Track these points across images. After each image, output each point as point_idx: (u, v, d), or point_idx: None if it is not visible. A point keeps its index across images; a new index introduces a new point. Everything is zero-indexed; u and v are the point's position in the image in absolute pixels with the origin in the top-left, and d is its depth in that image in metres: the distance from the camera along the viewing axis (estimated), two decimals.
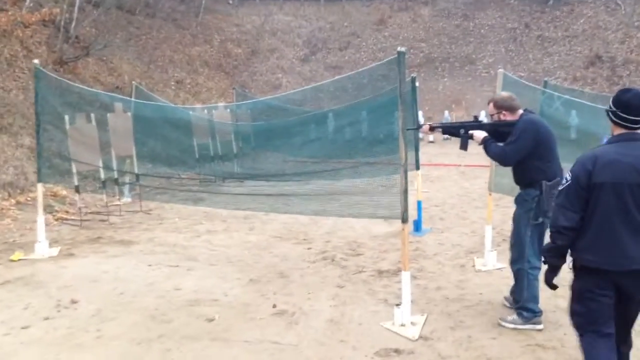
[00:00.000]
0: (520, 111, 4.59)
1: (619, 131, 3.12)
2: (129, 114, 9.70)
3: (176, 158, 11.83)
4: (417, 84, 8.47)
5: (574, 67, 26.94)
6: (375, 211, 5.05)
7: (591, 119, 10.81)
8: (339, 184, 6.87)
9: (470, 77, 27.84)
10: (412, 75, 8.47)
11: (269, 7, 32.42)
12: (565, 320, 4.65)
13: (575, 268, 3.20)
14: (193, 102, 20.22)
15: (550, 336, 4.41)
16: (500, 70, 6.43)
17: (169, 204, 9.95)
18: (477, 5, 32.00)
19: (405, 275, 4.67)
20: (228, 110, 14.04)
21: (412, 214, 8.12)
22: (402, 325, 4.61)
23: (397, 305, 4.71)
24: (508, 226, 8.23)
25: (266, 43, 30.50)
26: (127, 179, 10.25)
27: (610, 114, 3.13)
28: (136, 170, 9.80)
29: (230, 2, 32.54)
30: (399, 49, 4.60)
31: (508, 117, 4.60)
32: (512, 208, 8.76)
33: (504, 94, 4.83)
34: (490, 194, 6.60)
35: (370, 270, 6.33)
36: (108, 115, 9.40)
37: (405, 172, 4.61)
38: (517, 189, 4.77)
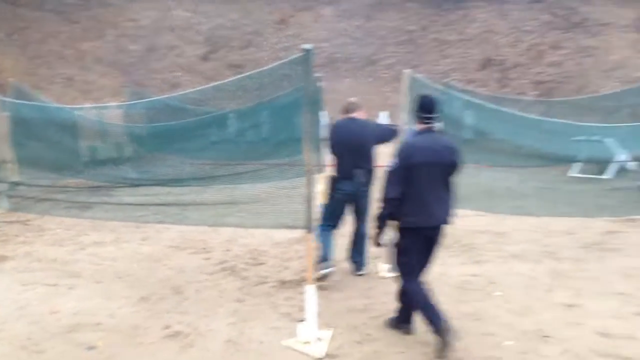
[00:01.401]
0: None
1: (421, 127, 4.30)
2: (4, 114, 8.76)
3: (61, 162, 10.90)
4: (321, 84, 8.22)
5: (468, 70, 27.88)
6: (278, 220, 4.70)
7: (484, 118, 11.06)
8: (240, 191, 6.47)
9: (371, 78, 28.16)
10: (316, 75, 8.21)
11: (167, 2, 31.24)
12: (471, 327, 4.56)
13: (400, 229, 4.31)
14: (83, 101, 18.96)
15: (456, 346, 4.25)
16: (405, 70, 6.29)
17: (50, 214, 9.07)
18: (377, 7, 32.45)
19: (310, 289, 4.37)
20: (121, 110, 13.18)
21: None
22: (307, 342, 4.30)
23: (301, 321, 4.41)
24: None
25: (164, 39, 29.36)
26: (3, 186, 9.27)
27: (415, 114, 4.34)
28: (14, 177, 8.86)
29: None
30: (304, 46, 4.28)
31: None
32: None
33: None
34: None
35: (273, 280, 5.99)
36: None
37: (310, 177, 4.30)
38: None
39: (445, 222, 4.28)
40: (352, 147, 5.70)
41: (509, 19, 30.22)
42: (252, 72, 5.24)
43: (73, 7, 26.34)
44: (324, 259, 5.61)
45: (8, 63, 18.00)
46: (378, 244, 4.43)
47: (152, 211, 6.19)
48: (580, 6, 28.94)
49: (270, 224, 4.84)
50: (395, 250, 4.39)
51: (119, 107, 13.30)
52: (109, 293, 5.65)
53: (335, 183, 5.78)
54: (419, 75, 7.08)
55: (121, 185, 11.17)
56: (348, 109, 5.90)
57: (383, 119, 23.35)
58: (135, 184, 11.49)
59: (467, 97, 10.84)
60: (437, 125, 4.32)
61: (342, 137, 5.75)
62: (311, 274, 4.40)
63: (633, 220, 8.53)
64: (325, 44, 30.42)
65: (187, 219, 6.01)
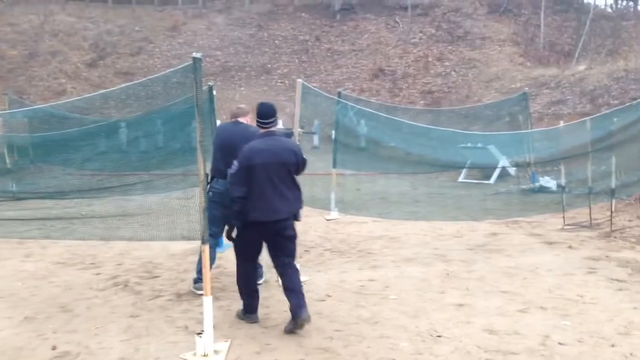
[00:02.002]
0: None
1: (262, 131, 4.74)
2: None
3: None
4: (214, 92, 8.10)
5: (360, 79, 28.62)
6: (173, 232, 4.56)
7: (377, 127, 11.39)
8: (133, 202, 6.22)
9: (266, 87, 28.19)
10: (209, 83, 8.10)
11: (49, 6, 29.67)
12: (369, 331, 4.65)
13: (245, 223, 4.64)
14: None
15: (354, 350, 4.32)
16: (298, 80, 6.34)
17: None
18: (270, 16, 32.60)
19: (207, 301, 4.27)
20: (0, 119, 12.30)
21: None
22: (205, 355, 4.20)
23: (199, 334, 4.30)
24: (310, 236, 8.30)
25: (47, 45, 27.88)
26: None
27: (257, 121, 4.77)
28: None
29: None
30: (194, 54, 4.20)
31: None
32: (312, 218, 8.74)
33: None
34: None
35: (168, 294, 5.80)
36: None
37: (204, 188, 4.21)
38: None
39: (288, 216, 4.70)
40: (228, 147, 5.55)
41: (397, 32, 31.39)
42: (141, 80, 5.08)
43: None
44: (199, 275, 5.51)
45: None
46: (231, 238, 4.86)
47: (35, 225, 5.81)
48: (462, 20, 30.59)
49: (165, 235, 4.68)
50: (238, 238, 4.81)
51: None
52: None
53: (210, 182, 5.62)
54: (311, 85, 7.17)
55: (0, 199, 10.42)
56: (235, 113, 5.93)
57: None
58: (16, 197, 10.75)
59: (359, 107, 11.11)
60: (279, 129, 4.97)
61: (221, 138, 5.76)
62: (208, 285, 4.31)
63: (514, 222, 9.10)
64: (218, 53, 30.14)
65: (75, 232, 5.69)
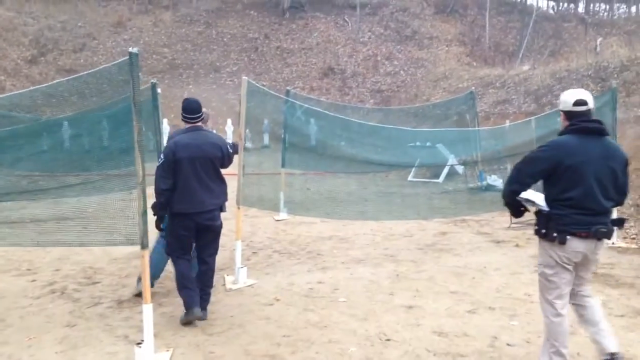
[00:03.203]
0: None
1: (185, 126, 4.91)
2: None
3: None
4: (159, 90, 7.80)
5: (310, 78, 28.57)
6: (111, 237, 4.31)
7: (325, 126, 11.29)
8: (68, 205, 5.90)
9: (215, 85, 27.80)
10: (152, 81, 7.80)
11: None
12: (318, 336, 4.53)
13: (171, 215, 4.76)
14: None
15: (302, 357, 4.19)
16: (244, 77, 6.16)
17: None
18: (218, 14, 32.17)
19: (147, 309, 4.06)
20: None
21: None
22: None
23: (139, 344, 4.08)
24: (258, 237, 8.14)
25: None
26: None
27: (182, 115, 4.91)
28: None
29: None
30: (130, 49, 3.98)
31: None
32: (261, 218, 8.55)
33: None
34: (239, 208, 6.25)
35: (109, 301, 5.54)
36: None
37: (144, 190, 3.99)
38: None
39: (214, 208, 4.88)
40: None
41: (346, 30, 31.46)
42: (75, 75, 4.81)
43: None
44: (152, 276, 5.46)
45: None
46: (160, 229, 4.94)
47: None
48: (410, 20, 30.92)
49: (104, 240, 4.43)
50: (168, 232, 4.91)
51: None
52: None
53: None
54: (260, 84, 7.00)
55: None
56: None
57: (229, 127, 23.10)
58: None
59: (307, 106, 10.99)
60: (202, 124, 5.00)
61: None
62: (147, 293, 4.09)
63: (463, 220, 9.15)
64: (166, 50, 29.58)
65: (7, 238, 5.36)
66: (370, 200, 10.97)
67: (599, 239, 3.42)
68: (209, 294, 5.09)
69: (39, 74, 26.55)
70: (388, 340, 4.40)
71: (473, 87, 15.90)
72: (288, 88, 10.63)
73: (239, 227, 6.19)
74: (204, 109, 5.78)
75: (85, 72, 4.44)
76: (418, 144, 11.76)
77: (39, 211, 6.04)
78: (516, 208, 3.65)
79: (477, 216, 9.55)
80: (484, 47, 28.84)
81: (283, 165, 10.08)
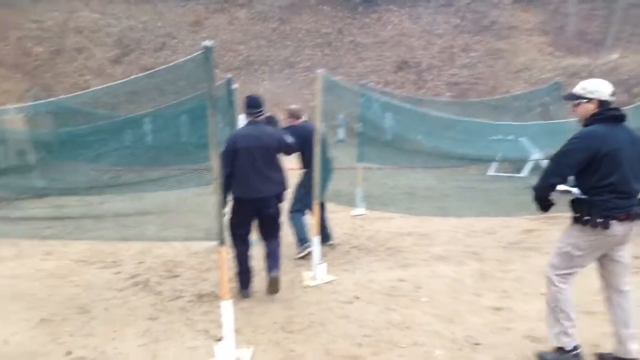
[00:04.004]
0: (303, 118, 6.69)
1: (249, 118, 5.38)
2: None
3: None
4: (234, 86, 7.81)
5: (384, 72, 28.16)
6: (190, 232, 4.28)
7: (402, 120, 11.00)
8: (147, 200, 5.99)
9: (289, 80, 27.91)
10: (227, 76, 7.81)
11: (72, 3, 29.72)
12: (401, 337, 4.32)
13: (233, 199, 5.22)
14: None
15: (385, 359, 4.01)
16: (319, 71, 6.01)
17: None
18: (292, 10, 32.26)
19: (226, 305, 4.00)
20: (22, 114, 12.16)
21: None
22: None
23: (219, 339, 4.04)
24: (335, 233, 7.95)
25: (72, 42, 27.94)
26: None
27: (245, 110, 5.38)
28: None
29: None
30: (203, 43, 3.90)
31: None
32: (337, 214, 8.36)
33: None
34: (316, 202, 6.11)
35: (189, 294, 5.56)
36: None
37: (220, 186, 3.91)
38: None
39: (269, 195, 5.24)
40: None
41: (421, 23, 30.81)
42: (151, 70, 4.81)
43: None
44: (302, 240, 6.73)
45: None
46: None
47: (46, 225, 5.60)
48: (488, 10, 29.92)
49: (181, 236, 4.41)
50: (231, 213, 5.33)
51: (20, 110, 12.14)
52: (4, 316, 5.06)
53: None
54: (333, 77, 6.86)
55: (25, 197, 10.28)
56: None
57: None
58: (41, 193, 10.60)
59: (385, 99, 10.74)
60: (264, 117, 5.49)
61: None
62: (226, 289, 4.02)
63: (552, 217, 8.65)
64: (241, 47, 29.95)
65: (89, 233, 5.48)
66: (450, 196, 10.61)
67: (633, 219, 3.58)
68: (278, 267, 5.37)
69: (122, 73, 27.46)
70: (477, 344, 4.15)
71: (558, 78, 15.14)
72: (363, 82, 10.43)
73: (317, 222, 6.06)
74: (269, 113, 6.17)
75: (161, 67, 4.40)
76: (500, 137, 11.27)
77: (122, 205, 6.15)
78: (546, 202, 3.84)
79: (569, 213, 8.98)
80: (568, 36, 27.50)
81: (359, 160, 9.88)
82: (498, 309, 4.90)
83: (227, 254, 4.04)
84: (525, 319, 4.63)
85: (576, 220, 3.72)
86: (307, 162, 6.53)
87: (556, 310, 3.70)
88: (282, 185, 5.36)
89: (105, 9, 31.07)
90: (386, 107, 11.05)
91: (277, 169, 5.33)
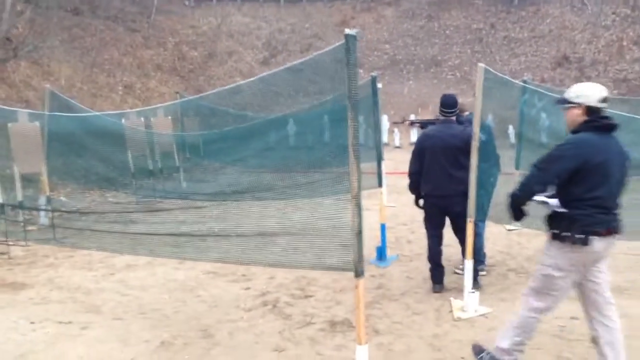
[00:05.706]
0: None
1: (442, 119, 5.52)
2: (37, 123, 8.08)
3: (105, 175, 10.18)
4: (379, 85, 7.11)
5: (541, 68, 26.16)
6: (321, 259, 3.62)
7: (561, 120, 9.67)
8: (272, 219, 5.52)
9: (436, 80, 26.77)
10: (372, 74, 7.14)
11: (226, 8, 30.84)
12: None
13: (423, 195, 5.57)
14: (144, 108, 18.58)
15: None
16: (480, 64, 5.14)
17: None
18: (441, 6, 31.04)
19: (361, 352, 3.29)
20: (169, 117, 12.42)
21: (373, 235, 6.76)
22: None
23: None
24: (488, 251, 6.86)
25: (224, 45, 28.94)
26: (42, 201, 8.61)
27: (440, 110, 5.49)
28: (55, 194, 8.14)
29: (187, 3, 30.95)
30: (347, 31, 3.23)
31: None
32: (490, 228, 7.32)
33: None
34: (471, 220, 5.19)
35: (321, 321, 4.95)
36: (9, 125, 7.78)
37: (359, 205, 3.20)
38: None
39: (453, 194, 5.26)
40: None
41: (584, 14, 28.21)
42: (289, 65, 4.24)
43: (134, 16, 26.30)
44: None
45: (66, 71, 17.80)
46: (418, 206, 5.73)
47: (169, 241, 5.31)
48: None
49: (310, 263, 3.76)
50: (422, 208, 5.65)
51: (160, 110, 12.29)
52: (126, 335, 4.74)
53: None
54: (494, 72, 5.91)
55: (171, 198, 10.41)
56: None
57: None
58: (183, 197, 10.71)
59: (549, 95, 9.42)
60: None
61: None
62: (362, 332, 3.31)
63: None
64: (387, 46, 29.31)
65: (209, 253, 5.09)
66: (625, 208, 9.11)
67: (614, 235, 3.37)
68: (476, 270, 5.42)
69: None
70: None
71: None
72: (525, 78, 9.28)
73: (471, 242, 5.16)
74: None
75: (298, 61, 3.79)
76: None
77: (243, 226, 5.67)
78: (520, 211, 3.57)
79: None
80: None
81: (517, 167, 8.72)
82: None
83: (364, 287, 3.33)
84: None
85: (554, 237, 3.44)
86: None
87: (519, 334, 3.59)
88: (467, 183, 5.14)
89: (256, 12, 31.90)
90: (543, 106, 9.85)
91: (461, 167, 5.24)
